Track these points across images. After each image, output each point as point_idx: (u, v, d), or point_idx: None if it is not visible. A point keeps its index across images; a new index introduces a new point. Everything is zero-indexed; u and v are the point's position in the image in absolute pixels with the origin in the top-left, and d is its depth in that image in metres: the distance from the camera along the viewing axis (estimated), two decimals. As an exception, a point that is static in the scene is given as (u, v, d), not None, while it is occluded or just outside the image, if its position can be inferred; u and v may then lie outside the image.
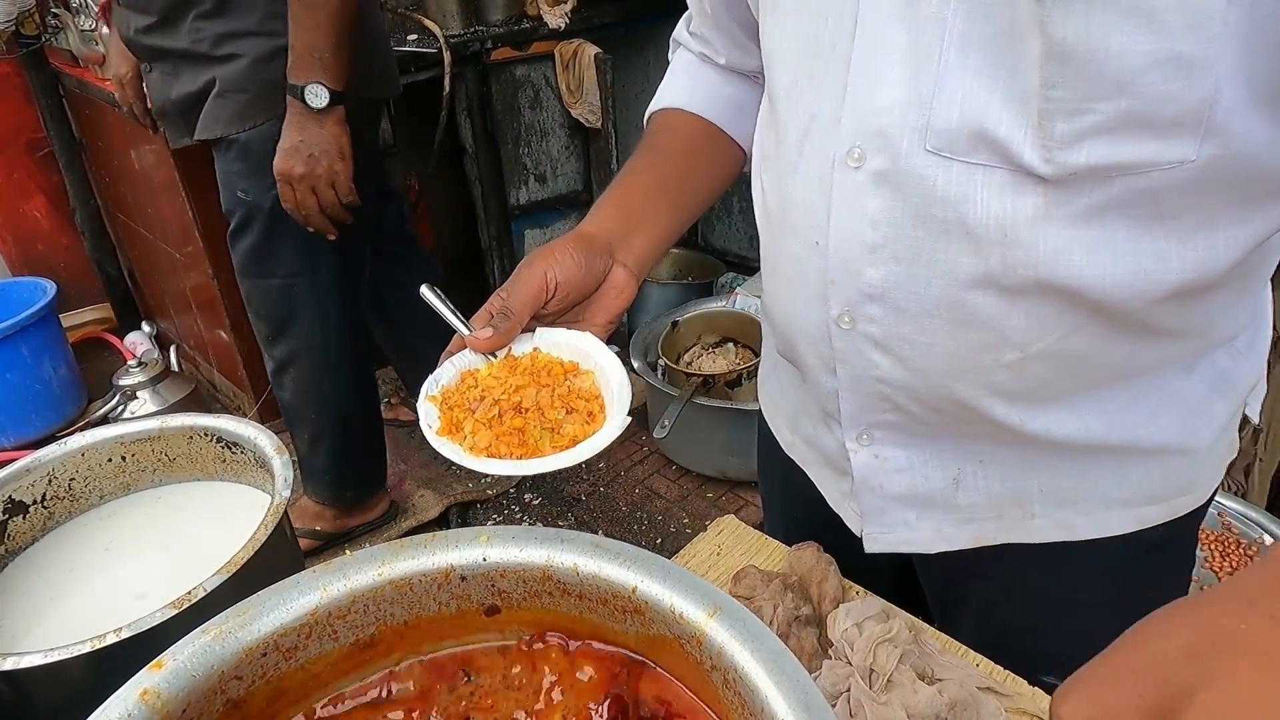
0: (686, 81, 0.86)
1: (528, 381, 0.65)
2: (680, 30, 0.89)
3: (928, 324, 0.63)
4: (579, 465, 2.62)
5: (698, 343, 2.57)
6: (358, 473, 2.15)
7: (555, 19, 2.65)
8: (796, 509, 0.90)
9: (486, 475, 2.11)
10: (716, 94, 0.84)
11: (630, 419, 0.62)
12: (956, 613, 0.82)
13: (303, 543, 2.09)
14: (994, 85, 0.53)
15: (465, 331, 0.68)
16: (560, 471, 2.86)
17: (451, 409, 0.65)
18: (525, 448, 0.62)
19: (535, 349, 0.69)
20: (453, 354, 0.68)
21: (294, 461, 2.19)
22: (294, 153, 1.62)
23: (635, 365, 2.40)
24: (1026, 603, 0.79)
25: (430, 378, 0.67)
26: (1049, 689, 0.69)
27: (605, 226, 0.74)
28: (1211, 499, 0.76)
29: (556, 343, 0.68)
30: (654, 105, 0.88)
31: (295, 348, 1.95)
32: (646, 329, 2.54)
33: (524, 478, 2.38)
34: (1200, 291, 0.60)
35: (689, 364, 2.48)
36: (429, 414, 0.64)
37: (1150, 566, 0.76)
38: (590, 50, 2.63)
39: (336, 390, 2.01)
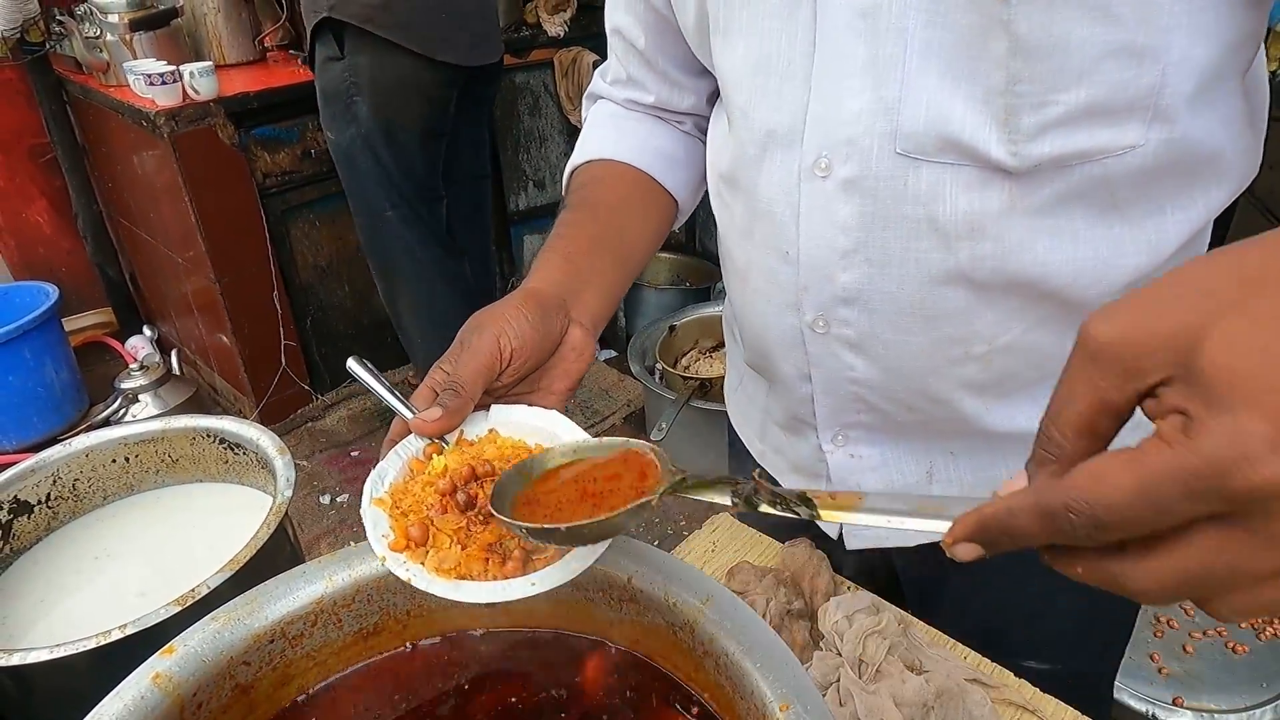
0: (611, 133, 0.83)
1: (491, 471, 0.53)
2: (597, 83, 0.89)
3: (901, 322, 0.65)
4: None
5: (695, 347, 2.58)
6: None
7: (554, 27, 2.68)
8: (769, 515, 0.91)
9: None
10: (644, 144, 0.83)
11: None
12: (936, 605, 0.83)
13: None
14: (956, 87, 0.57)
15: (408, 414, 0.56)
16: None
17: (405, 514, 0.52)
18: (502, 561, 0.50)
19: (492, 430, 0.57)
20: (395, 442, 0.56)
21: (295, 464, 2.43)
22: None
23: (633, 369, 2.42)
24: (1003, 591, 0.81)
25: (374, 473, 0.54)
26: (1032, 675, 0.70)
27: (555, 281, 0.67)
28: None
29: (515, 422, 0.57)
30: (576, 159, 0.83)
31: (392, 283, 2.33)
32: (644, 333, 2.56)
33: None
34: (1149, 278, 0.63)
35: (686, 368, 2.49)
36: (379, 522, 0.51)
37: None
38: (589, 57, 2.65)
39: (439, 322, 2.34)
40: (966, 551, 0.34)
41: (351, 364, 0.62)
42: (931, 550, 0.79)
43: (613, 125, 0.85)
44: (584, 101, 0.91)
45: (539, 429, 0.56)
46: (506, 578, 0.49)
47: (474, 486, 0.52)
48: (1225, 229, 1.91)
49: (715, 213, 0.79)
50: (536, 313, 0.60)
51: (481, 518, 0.51)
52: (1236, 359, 0.27)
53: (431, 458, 0.54)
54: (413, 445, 0.56)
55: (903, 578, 0.88)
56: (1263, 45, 0.62)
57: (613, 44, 0.85)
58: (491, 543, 0.50)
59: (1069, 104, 0.55)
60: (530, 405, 0.58)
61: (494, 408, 0.58)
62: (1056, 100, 0.55)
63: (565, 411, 0.58)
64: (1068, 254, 0.61)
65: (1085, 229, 0.60)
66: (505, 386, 0.59)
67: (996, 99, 0.56)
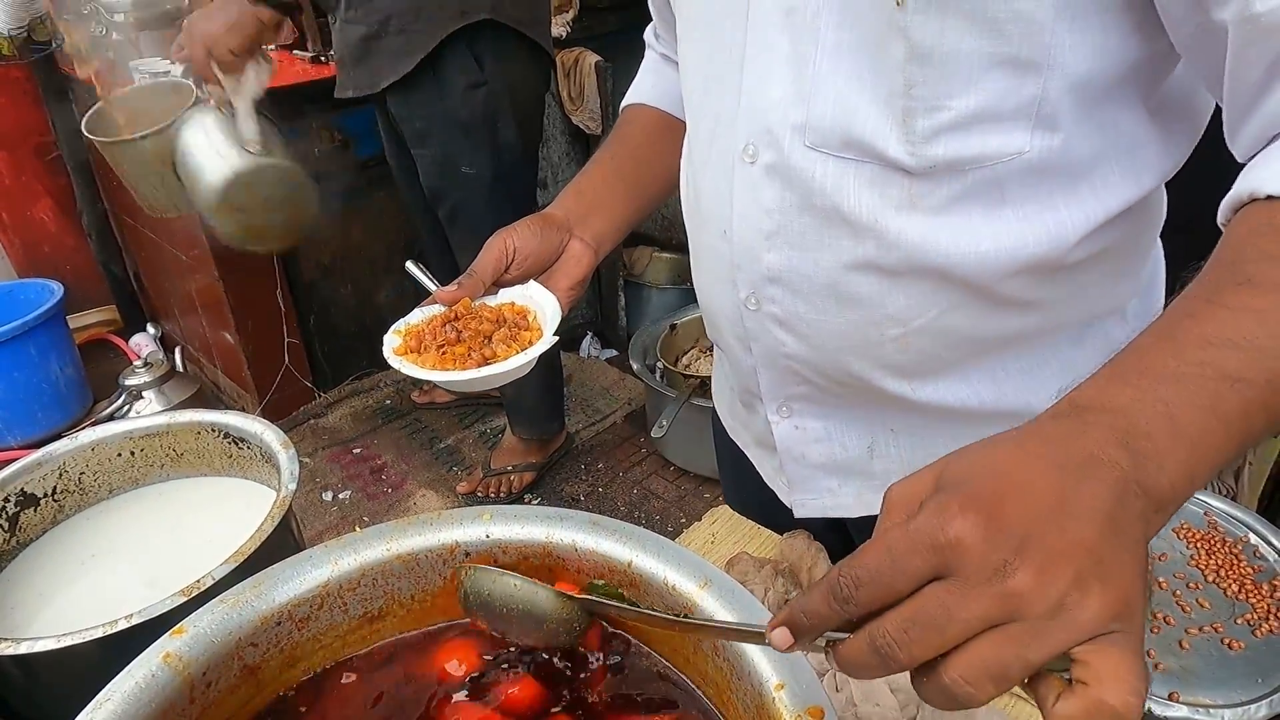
0: (651, 78, 0.95)
1: (469, 311, 0.78)
2: (648, 33, 0.97)
3: (819, 303, 0.69)
4: (578, 465, 2.61)
5: (695, 345, 2.59)
6: (554, 408, 2.44)
7: (557, 28, 2.68)
8: (743, 488, 0.95)
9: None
10: (674, 89, 0.90)
11: (557, 338, 0.74)
12: None
13: (525, 476, 2.41)
14: (862, 88, 0.60)
15: (434, 288, 0.80)
16: (559, 472, 2.86)
17: (408, 338, 0.78)
18: (465, 364, 0.74)
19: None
20: (424, 306, 0.79)
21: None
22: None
23: (634, 367, 2.43)
24: None
25: (400, 320, 0.80)
26: None
27: (564, 208, 0.84)
28: None
29: (509, 294, 0.81)
30: (625, 100, 0.97)
31: None
32: (645, 332, 2.57)
33: (526, 485, 2.42)
34: (1060, 266, 0.66)
35: (687, 366, 2.51)
36: (390, 342, 0.77)
37: None
38: (591, 58, 2.66)
39: None
40: (780, 637, 0.39)
41: (410, 265, 0.85)
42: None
43: (652, 72, 0.96)
44: (645, 39, 1.00)
45: (521, 294, 0.80)
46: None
47: (457, 324, 0.75)
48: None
49: (681, 191, 0.84)
50: (539, 225, 0.80)
51: (456, 336, 0.74)
52: (957, 466, 0.38)
53: None
54: (435, 308, 0.78)
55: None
56: None
57: (650, 4, 0.92)
58: (461, 354, 0.73)
59: (960, 109, 0.58)
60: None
61: (501, 291, 0.80)
62: (948, 105, 0.58)
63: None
64: (970, 247, 0.64)
65: (983, 225, 0.63)
66: (513, 279, 0.79)
67: (896, 101, 0.59)
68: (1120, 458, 0.38)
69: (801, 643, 0.38)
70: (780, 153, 0.65)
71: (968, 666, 0.34)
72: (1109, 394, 0.41)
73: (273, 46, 2.72)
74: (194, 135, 1.50)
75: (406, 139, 2.05)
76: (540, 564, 0.51)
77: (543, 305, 0.78)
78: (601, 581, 0.49)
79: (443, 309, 0.78)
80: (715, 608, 0.44)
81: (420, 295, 0.83)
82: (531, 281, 0.80)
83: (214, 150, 1.50)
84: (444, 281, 0.81)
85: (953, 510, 0.35)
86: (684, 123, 0.88)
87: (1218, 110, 0.60)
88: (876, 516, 0.40)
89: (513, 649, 0.52)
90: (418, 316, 0.79)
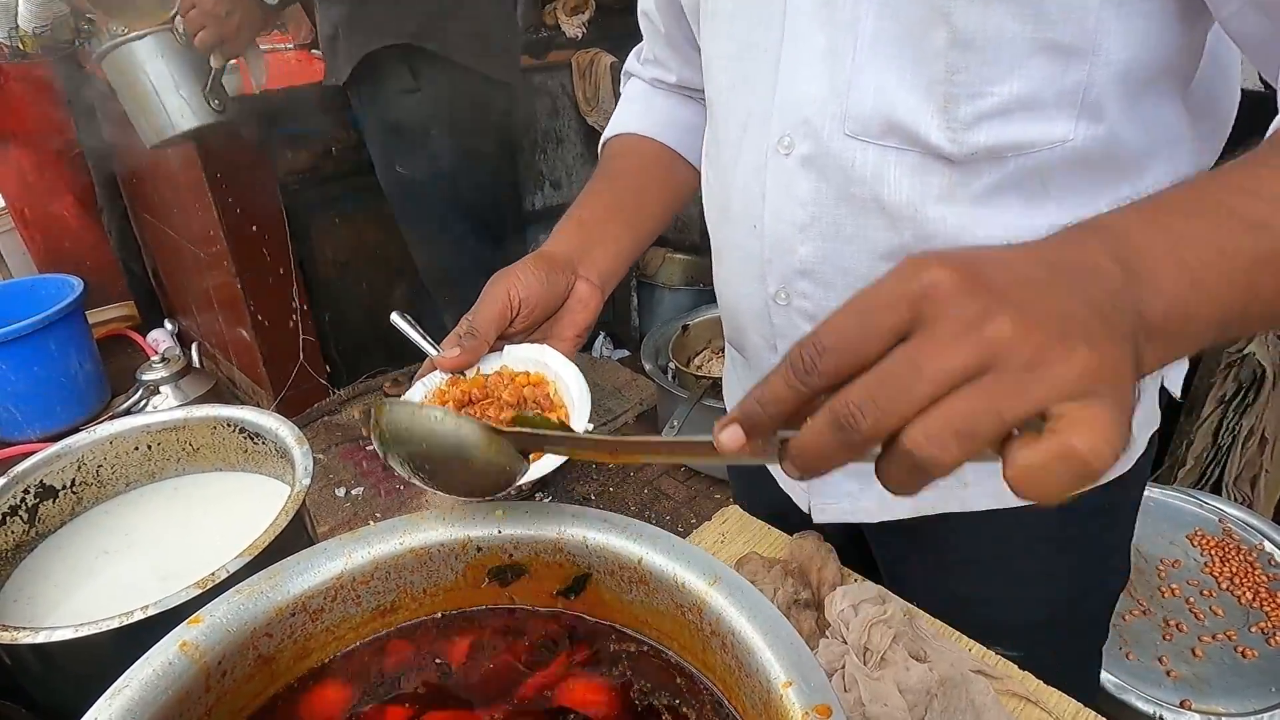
0: (640, 108, 0.91)
1: (486, 394, 0.64)
2: (631, 62, 0.95)
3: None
4: (589, 465, 2.60)
5: (708, 346, 2.60)
6: None
7: (573, 29, 2.70)
8: (753, 491, 0.95)
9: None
10: (669, 118, 0.89)
11: (591, 426, 0.62)
12: (906, 585, 0.85)
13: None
14: (901, 76, 0.60)
15: (434, 353, 0.67)
16: (570, 472, 2.85)
17: None
18: None
19: (504, 366, 0.68)
20: (423, 377, 0.68)
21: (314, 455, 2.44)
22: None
23: (646, 368, 2.43)
24: (969, 572, 0.83)
25: (402, 397, 0.64)
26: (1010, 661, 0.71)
27: (565, 245, 0.76)
28: (1145, 472, 0.82)
29: (521, 358, 0.68)
30: (608, 132, 0.91)
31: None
32: (658, 333, 2.58)
33: (536, 484, 2.42)
34: None
35: (699, 367, 2.51)
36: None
37: (1086, 533, 0.80)
38: (606, 59, 2.67)
39: None
40: (729, 436, 0.35)
41: (395, 317, 0.75)
42: (900, 528, 0.80)
43: (642, 100, 0.93)
44: (622, 76, 0.97)
45: (538, 361, 0.67)
46: None
47: (474, 407, 0.63)
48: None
49: (702, 192, 0.83)
50: (544, 270, 0.71)
51: None
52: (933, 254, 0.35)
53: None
54: (437, 379, 0.66)
55: (877, 556, 0.91)
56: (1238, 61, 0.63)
57: (642, 25, 0.90)
58: None
59: (1002, 95, 0.58)
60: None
61: (507, 348, 0.69)
62: (991, 92, 0.58)
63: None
64: (1009, 237, 0.63)
65: (1022, 216, 0.63)
66: (518, 332, 0.70)
67: (937, 88, 0.59)
68: (1115, 270, 0.35)
69: (754, 443, 0.34)
70: (819, 142, 0.65)
71: (933, 422, 0.31)
72: (1115, 218, 0.39)
73: (291, 46, 2.76)
74: (158, 65, 1.55)
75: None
76: (552, 560, 0.52)
77: (567, 382, 0.66)
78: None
79: (445, 378, 0.66)
80: (724, 605, 0.45)
81: (408, 344, 0.73)
82: (545, 347, 0.69)
83: (175, 90, 1.55)
84: (433, 330, 0.70)
85: (928, 262, 0.33)
86: (678, 153, 0.88)
87: (1239, 110, 0.60)
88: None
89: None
90: (420, 393, 0.66)
